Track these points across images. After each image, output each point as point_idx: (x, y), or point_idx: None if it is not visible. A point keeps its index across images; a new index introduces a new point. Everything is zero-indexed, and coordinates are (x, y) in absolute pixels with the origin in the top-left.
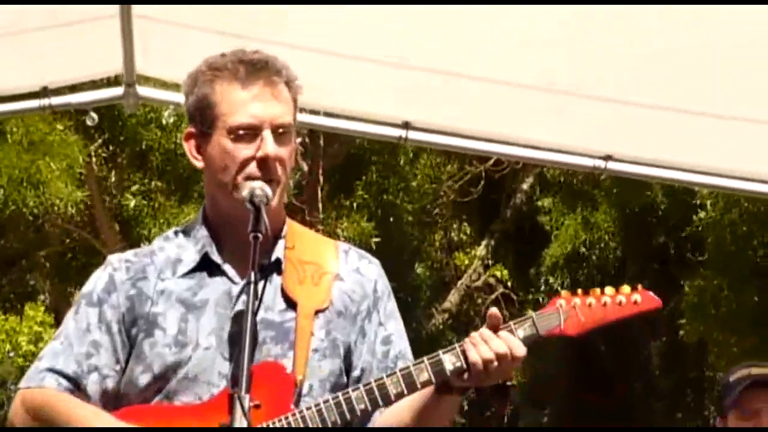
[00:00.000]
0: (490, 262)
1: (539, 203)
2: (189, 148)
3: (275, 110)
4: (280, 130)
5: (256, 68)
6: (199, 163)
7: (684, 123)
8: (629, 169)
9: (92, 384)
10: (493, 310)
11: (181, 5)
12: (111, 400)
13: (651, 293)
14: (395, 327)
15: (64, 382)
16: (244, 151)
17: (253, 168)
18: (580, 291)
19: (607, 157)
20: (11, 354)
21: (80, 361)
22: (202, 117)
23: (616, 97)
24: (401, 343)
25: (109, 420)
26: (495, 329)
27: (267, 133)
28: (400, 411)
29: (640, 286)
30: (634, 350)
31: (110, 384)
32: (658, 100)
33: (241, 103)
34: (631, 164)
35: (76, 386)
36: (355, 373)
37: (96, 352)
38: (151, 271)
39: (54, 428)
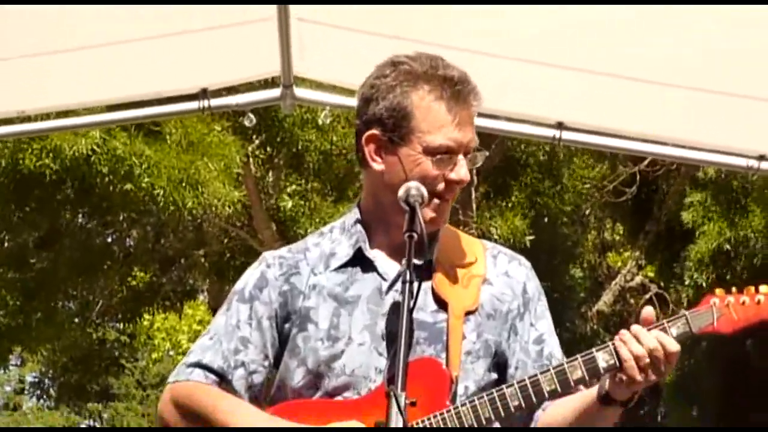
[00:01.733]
0: (643, 262)
1: (687, 200)
2: (369, 150)
3: (470, 135)
4: (469, 154)
5: (458, 89)
6: (378, 166)
7: None
8: None
9: (238, 379)
10: (647, 310)
11: (338, 5)
12: (259, 395)
13: None
14: (547, 327)
15: (211, 376)
16: (436, 170)
17: (441, 187)
18: (734, 289)
19: (761, 157)
20: (171, 352)
21: (227, 357)
22: (395, 126)
23: None
24: (552, 342)
25: (252, 410)
26: (645, 326)
27: (461, 158)
28: (565, 412)
29: None
30: None
31: (258, 379)
32: None
33: (443, 125)
34: None
35: (223, 380)
36: (510, 371)
37: (244, 348)
38: (304, 266)
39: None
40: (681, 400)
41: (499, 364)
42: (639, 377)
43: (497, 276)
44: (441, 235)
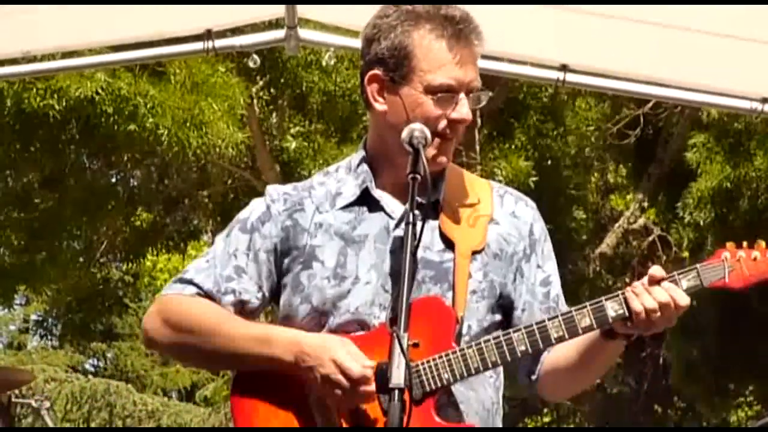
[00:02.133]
0: (645, 204)
1: (690, 141)
2: (371, 90)
3: (472, 74)
4: (471, 94)
5: (460, 28)
6: (380, 107)
7: None
8: None
9: (226, 304)
10: (654, 270)
11: None
12: (251, 320)
13: None
14: (552, 268)
15: (201, 293)
16: (438, 110)
17: (443, 126)
18: (745, 244)
19: (764, 100)
20: None
21: (219, 282)
22: (397, 65)
23: None
24: (557, 285)
25: (236, 320)
26: (657, 283)
27: (463, 97)
28: (567, 351)
29: None
30: None
31: (248, 308)
32: None
33: (445, 64)
34: None
35: (210, 300)
36: (517, 313)
37: (238, 277)
38: (309, 204)
39: None
40: (682, 342)
41: (504, 306)
42: (650, 327)
43: (504, 216)
44: (448, 174)
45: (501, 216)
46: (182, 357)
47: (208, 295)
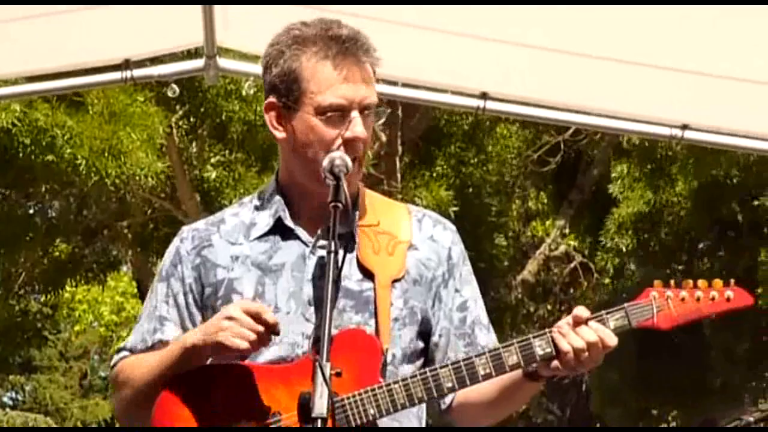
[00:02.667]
0: (567, 231)
1: (613, 174)
2: (270, 119)
3: (363, 91)
4: (366, 111)
5: (346, 47)
6: (280, 134)
7: (762, 94)
8: (706, 138)
9: None
10: (578, 310)
11: None
12: None
13: (743, 290)
14: (471, 293)
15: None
16: (331, 130)
17: (336, 147)
18: (672, 283)
19: (684, 126)
20: (94, 324)
21: (146, 338)
22: (288, 91)
23: (693, 68)
24: (476, 309)
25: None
26: (583, 323)
27: (356, 114)
28: (483, 386)
29: (732, 282)
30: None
31: None
32: (734, 71)
33: (332, 84)
34: (708, 133)
35: None
36: (434, 339)
37: (161, 326)
38: (217, 238)
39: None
40: (602, 368)
41: (423, 332)
42: (576, 368)
43: (422, 240)
44: (365, 201)
45: (419, 241)
46: (139, 412)
47: (140, 353)
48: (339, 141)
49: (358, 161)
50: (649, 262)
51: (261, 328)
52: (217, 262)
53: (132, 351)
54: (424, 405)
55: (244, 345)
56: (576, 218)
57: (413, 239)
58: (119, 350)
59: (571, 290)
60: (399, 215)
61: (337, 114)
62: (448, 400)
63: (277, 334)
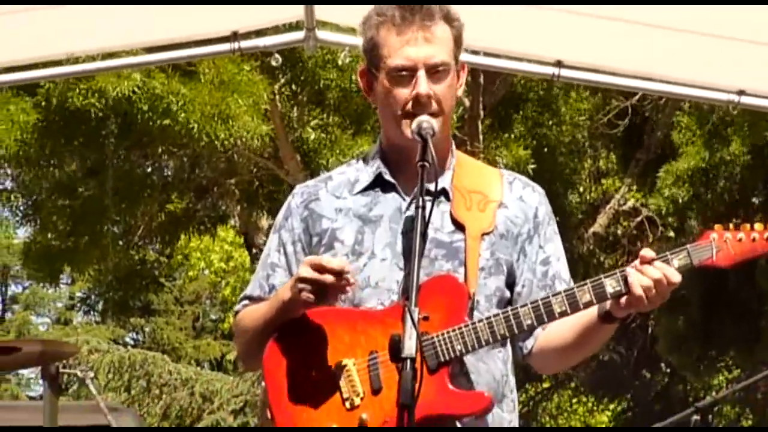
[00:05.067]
0: (635, 187)
1: (676, 119)
2: (363, 84)
3: (428, 51)
4: (438, 68)
5: (411, 12)
6: (371, 98)
7: None
8: (761, 103)
9: None
10: (645, 252)
11: None
12: None
13: None
14: (553, 249)
15: (253, 302)
16: (402, 90)
17: (410, 105)
18: (731, 226)
19: (741, 92)
20: (206, 271)
21: (262, 284)
22: (371, 58)
23: (749, 37)
24: (558, 265)
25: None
26: (649, 263)
27: (421, 73)
28: (562, 330)
29: None
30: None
31: None
32: None
33: (397, 47)
34: (763, 98)
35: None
36: (517, 289)
37: (273, 272)
38: (323, 193)
39: None
40: (669, 312)
41: (509, 283)
42: (645, 303)
43: (512, 200)
44: (460, 163)
45: (509, 200)
46: (254, 355)
47: (258, 300)
48: (410, 99)
49: (438, 117)
50: (707, 215)
51: (328, 278)
52: (322, 213)
53: (250, 298)
54: (509, 349)
55: (312, 298)
56: (642, 176)
57: (504, 198)
58: (241, 299)
59: (639, 243)
60: (492, 177)
61: (406, 74)
62: (529, 345)
63: (346, 277)
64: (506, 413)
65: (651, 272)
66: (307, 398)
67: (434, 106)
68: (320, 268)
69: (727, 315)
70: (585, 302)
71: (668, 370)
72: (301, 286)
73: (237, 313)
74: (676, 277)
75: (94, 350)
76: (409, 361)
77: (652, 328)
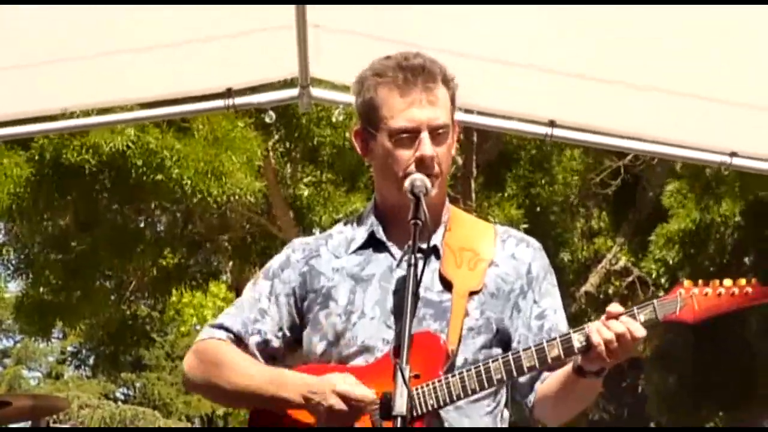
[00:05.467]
0: (626, 247)
1: (667, 188)
2: (358, 144)
3: (431, 114)
4: (438, 131)
5: (413, 74)
6: (367, 158)
7: None
8: (753, 165)
9: (253, 344)
10: (611, 307)
11: (351, 5)
12: (276, 358)
13: (763, 287)
14: (550, 303)
15: (231, 336)
16: (404, 152)
17: (412, 167)
18: (701, 281)
19: (733, 154)
20: (197, 326)
21: (246, 324)
22: (369, 118)
23: (742, 100)
24: (554, 317)
25: (256, 364)
26: (615, 318)
27: (424, 135)
28: (552, 384)
29: (753, 280)
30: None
31: (272, 345)
32: None
33: (400, 109)
34: (755, 160)
35: (240, 342)
36: (513, 345)
37: (261, 318)
38: (324, 250)
39: None
40: (659, 370)
41: (503, 340)
42: (608, 358)
43: (504, 258)
44: (452, 219)
45: (501, 258)
46: (210, 394)
47: (237, 335)
48: (412, 161)
49: (437, 178)
50: (698, 276)
51: (357, 410)
52: (321, 270)
53: (228, 330)
54: (500, 402)
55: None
56: (634, 236)
57: (495, 257)
58: (216, 326)
59: (629, 302)
60: (485, 234)
61: (408, 136)
62: (531, 399)
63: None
64: None
65: (614, 326)
66: None
67: (436, 168)
68: (348, 401)
69: (718, 375)
70: (553, 356)
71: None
72: (331, 414)
73: (208, 338)
74: (641, 332)
75: (84, 405)
76: (399, 420)
77: (642, 387)
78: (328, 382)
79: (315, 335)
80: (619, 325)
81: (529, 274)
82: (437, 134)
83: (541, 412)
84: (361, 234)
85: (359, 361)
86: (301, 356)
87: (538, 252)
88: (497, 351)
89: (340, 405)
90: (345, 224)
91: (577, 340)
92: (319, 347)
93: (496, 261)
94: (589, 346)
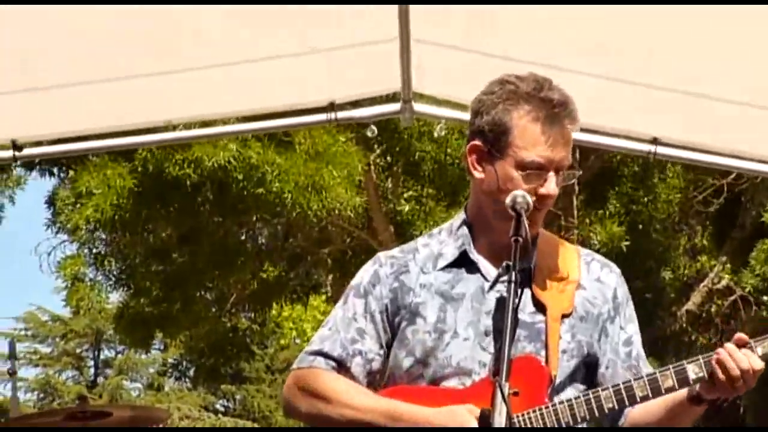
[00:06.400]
0: (728, 266)
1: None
2: (471, 159)
3: (562, 154)
4: (563, 170)
5: (556, 111)
6: (478, 175)
7: None
8: None
9: (356, 366)
10: (739, 335)
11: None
12: (376, 380)
13: None
14: (634, 330)
15: (331, 363)
16: (526, 184)
17: (532, 200)
18: None
19: None
20: (297, 340)
21: (346, 345)
22: (495, 139)
23: None
24: (638, 345)
25: (370, 395)
26: (744, 345)
27: (551, 175)
28: (651, 408)
29: None
30: None
31: (375, 366)
32: None
33: (537, 144)
34: None
35: (341, 367)
36: (601, 370)
37: (361, 338)
38: (413, 266)
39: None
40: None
41: (588, 363)
42: (729, 391)
43: (590, 281)
44: (540, 242)
45: (587, 281)
46: (317, 424)
47: (338, 361)
48: (532, 195)
49: (542, 211)
50: None
51: None
52: (410, 286)
53: (327, 356)
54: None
55: None
56: (736, 254)
57: (582, 280)
58: (314, 353)
59: (732, 321)
60: (570, 257)
61: (535, 171)
62: (621, 421)
63: None
64: None
65: (738, 360)
66: None
67: (550, 204)
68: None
69: None
70: (667, 387)
71: None
72: None
73: (308, 367)
74: (759, 365)
75: (185, 417)
76: None
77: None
78: (453, 417)
79: (401, 351)
80: (743, 359)
81: (616, 300)
82: (559, 173)
83: None
84: (450, 251)
85: (454, 383)
86: None
87: (620, 278)
88: (583, 374)
89: None
90: (430, 237)
91: (693, 371)
92: (405, 363)
93: (582, 284)
94: (704, 378)
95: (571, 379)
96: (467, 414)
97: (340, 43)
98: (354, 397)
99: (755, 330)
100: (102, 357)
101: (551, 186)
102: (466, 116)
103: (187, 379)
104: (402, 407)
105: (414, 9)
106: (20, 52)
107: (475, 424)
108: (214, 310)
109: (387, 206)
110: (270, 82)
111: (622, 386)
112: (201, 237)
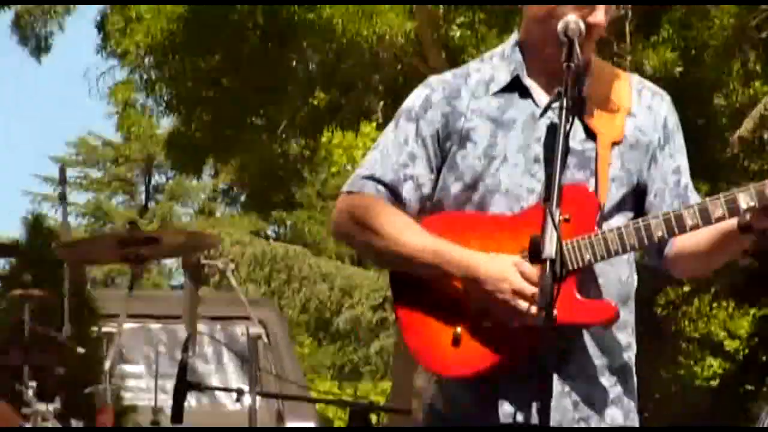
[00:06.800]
0: None
1: None
2: None
3: None
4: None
5: None
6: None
7: None
8: None
9: (407, 191)
10: None
11: None
12: (426, 205)
13: None
14: (683, 159)
15: (382, 189)
16: (575, 12)
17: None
18: None
19: None
20: (348, 167)
21: (397, 170)
22: None
23: None
24: (687, 175)
25: (416, 233)
26: None
27: (600, 6)
28: (699, 237)
29: None
30: None
31: (425, 191)
32: None
33: None
34: None
35: (393, 193)
36: (649, 198)
37: (411, 162)
38: (465, 91)
39: None
40: None
41: (637, 192)
42: None
43: (641, 109)
44: (592, 69)
45: (638, 109)
46: (363, 252)
47: (390, 186)
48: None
49: (592, 41)
50: None
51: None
52: (461, 111)
53: (380, 181)
54: (633, 260)
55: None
56: None
57: (633, 107)
58: (366, 177)
59: None
60: (622, 84)
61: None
62: (665, 250)
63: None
64: (629, 315)
65: None
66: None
67: (598, 34)
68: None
69: None
70: (717, 216)
71: None
72: (518, 305)
73: (359, 191)
74: None
75: (235, 242)
76: (548, 263)
77: None
78: (504, 277)
79: (450, 176)
80: None
81: (666, 128)
82: (608, 6)
83: (679, 265)
84: (502, 75)
85: (502, 208)
86: None
87: (671, 105)
88: (632, 203)
89: (515, 302)
90: (482, 61)
91: (743, 200)
92: (454, 188)
93: (633, 111)
94: (755, 207)
95: (619, 207)
96: (514, 274)
97: None
98: (404, 232)
99: None
100: (153, 182)
101: (599, 16)
102: None
103: (238, 205)
104: (448, 248)
105: None
106: None
107: (520, 284)
108: (264, 136)
109: (438, 32)
110: None
111: (672, 214)
112: (251, 63)
